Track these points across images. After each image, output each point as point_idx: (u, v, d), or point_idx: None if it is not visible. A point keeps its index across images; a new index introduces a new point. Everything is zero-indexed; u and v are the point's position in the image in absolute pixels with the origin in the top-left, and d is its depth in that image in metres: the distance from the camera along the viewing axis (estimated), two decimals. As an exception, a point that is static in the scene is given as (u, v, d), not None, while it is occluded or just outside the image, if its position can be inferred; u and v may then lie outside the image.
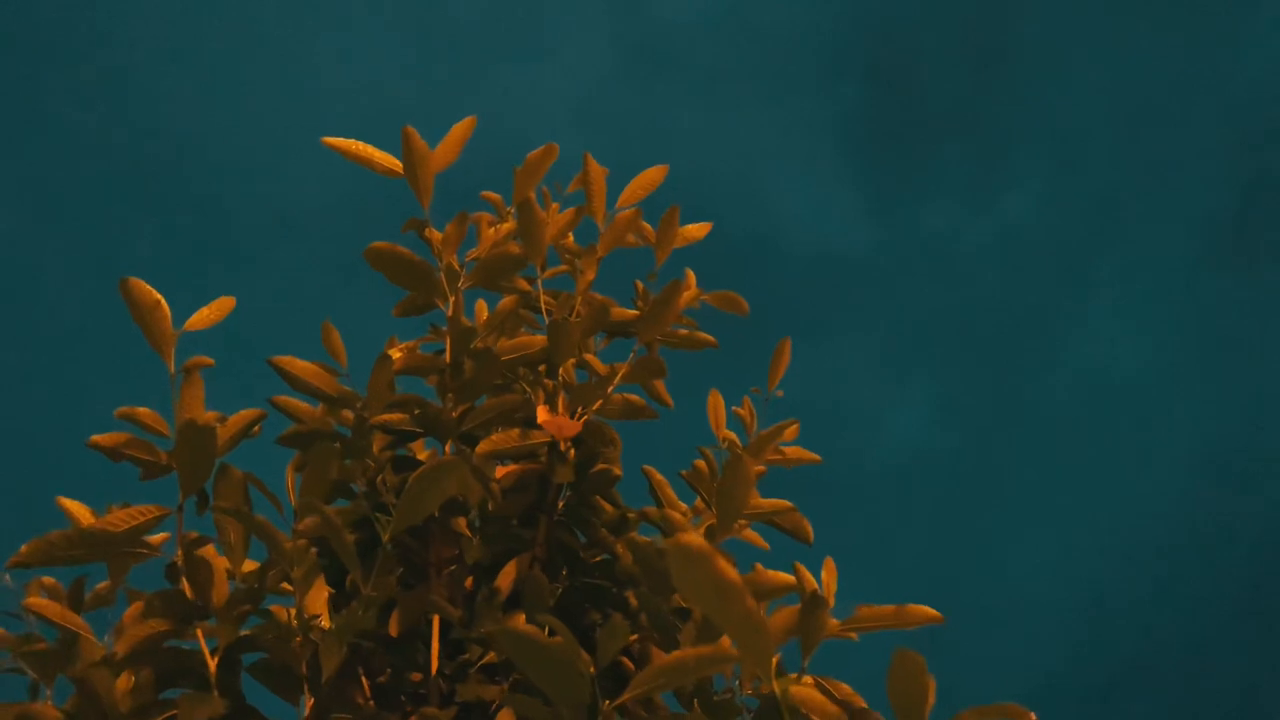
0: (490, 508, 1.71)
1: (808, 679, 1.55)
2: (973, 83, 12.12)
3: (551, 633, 1.26)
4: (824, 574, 1.67)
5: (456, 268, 1.81)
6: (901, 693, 0.70)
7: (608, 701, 1.05)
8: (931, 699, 0.70)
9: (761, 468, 1.86)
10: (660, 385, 1.97)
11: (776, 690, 0.72)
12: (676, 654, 0.97)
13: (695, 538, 0.66)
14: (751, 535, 2.11)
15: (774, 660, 0.72)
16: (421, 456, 1.81)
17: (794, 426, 2.12)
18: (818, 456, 2.13)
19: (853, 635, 1.65)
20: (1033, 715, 0.82)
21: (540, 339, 1.82)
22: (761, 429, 2.03)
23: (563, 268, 2.04)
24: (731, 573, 0.67)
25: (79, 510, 1.63)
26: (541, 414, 1.73)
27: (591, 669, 1.03)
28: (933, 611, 1.55)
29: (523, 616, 1.60)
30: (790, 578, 1.59)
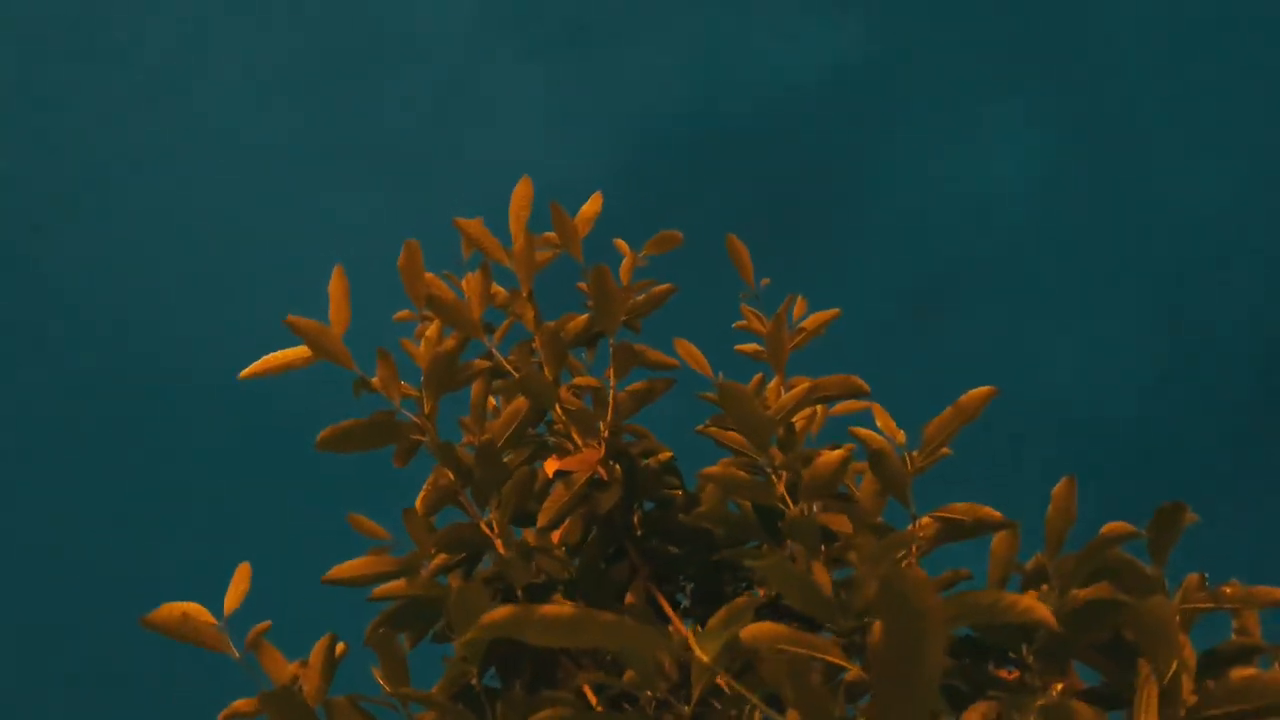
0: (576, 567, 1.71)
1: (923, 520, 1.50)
2: None
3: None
4: (879, 422, 1.61)
5: (414, 393, 1.83)
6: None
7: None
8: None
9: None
10: (651, 354, 1.93)
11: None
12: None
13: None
14: (849, 406, 2.05)
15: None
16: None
17: (799, 301, 2.06)
18: (836, 310, 2.06)
19: (944, 451, 1.58)
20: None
21: (522, 400, 1.82)
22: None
23: (511, 320, 2.03)
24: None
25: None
26: (550, 466, 1.72)
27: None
28: (985, 390, 1.47)
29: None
30: (840, 453, 1.54)
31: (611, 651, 1.43)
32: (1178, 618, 1.19)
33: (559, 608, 0.67)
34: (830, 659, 0.72)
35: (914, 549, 1.50)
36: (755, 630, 0.76)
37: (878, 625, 0.61)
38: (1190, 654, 1.13)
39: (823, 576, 1.07)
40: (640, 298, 1.98)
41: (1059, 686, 1.03)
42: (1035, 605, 0.67)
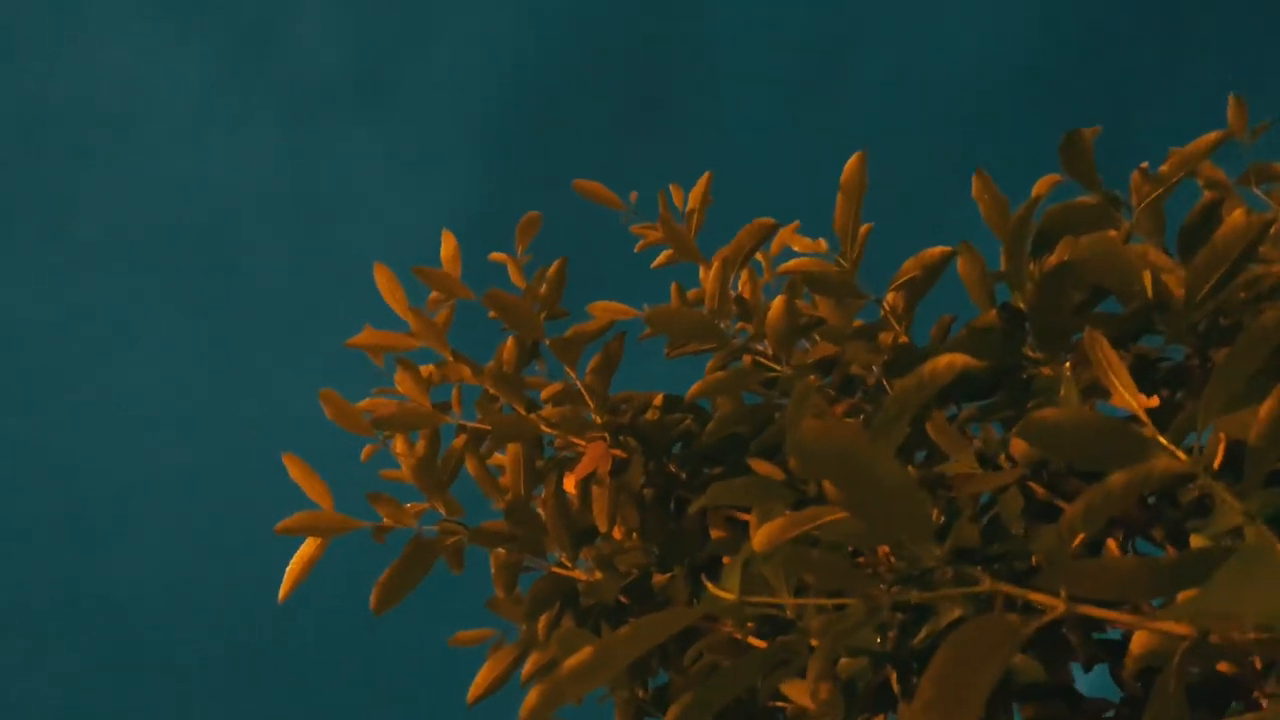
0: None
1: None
2: None
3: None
4: (795, 246, 1.60)
5: (425, 506, 1.85)
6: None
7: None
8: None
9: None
10: (588, 328, 1.93)
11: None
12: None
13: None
14: (782, 240, 2.05)
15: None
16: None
17: (674, 191, 2.05)
18: (707, 174, 2.04)
19: (864, 230, 1.57)
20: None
21: (513, 445, 1.83)
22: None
23: (456, 386, 2.03)
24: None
25: None
26: (569, 484, 1.73)
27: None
28: (854, 159, 1.46)
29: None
30: (779, 299, 1.54)
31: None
32: (1120, 231, 1.19)
33: (581, 655, 0.68)
34: (828, 519, 0.73)
35: (900, 327, 1.50)
36: (763, 536, 0.77)
37: (825, 485, 0.61)
38: (1158, 256, 1.13)
39: (761, 468, 1.08)
40: (543, 289, 1.97)
41: (1068, 365, 1.04)
42: (953, 357, 0.67)
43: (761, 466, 1.05)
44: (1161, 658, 0.63)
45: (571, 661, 0.68)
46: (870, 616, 0.72)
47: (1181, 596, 0.61)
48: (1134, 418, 0.71)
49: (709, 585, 0.70)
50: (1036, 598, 0.64)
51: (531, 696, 0.67)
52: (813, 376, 1.65)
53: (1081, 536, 0.65)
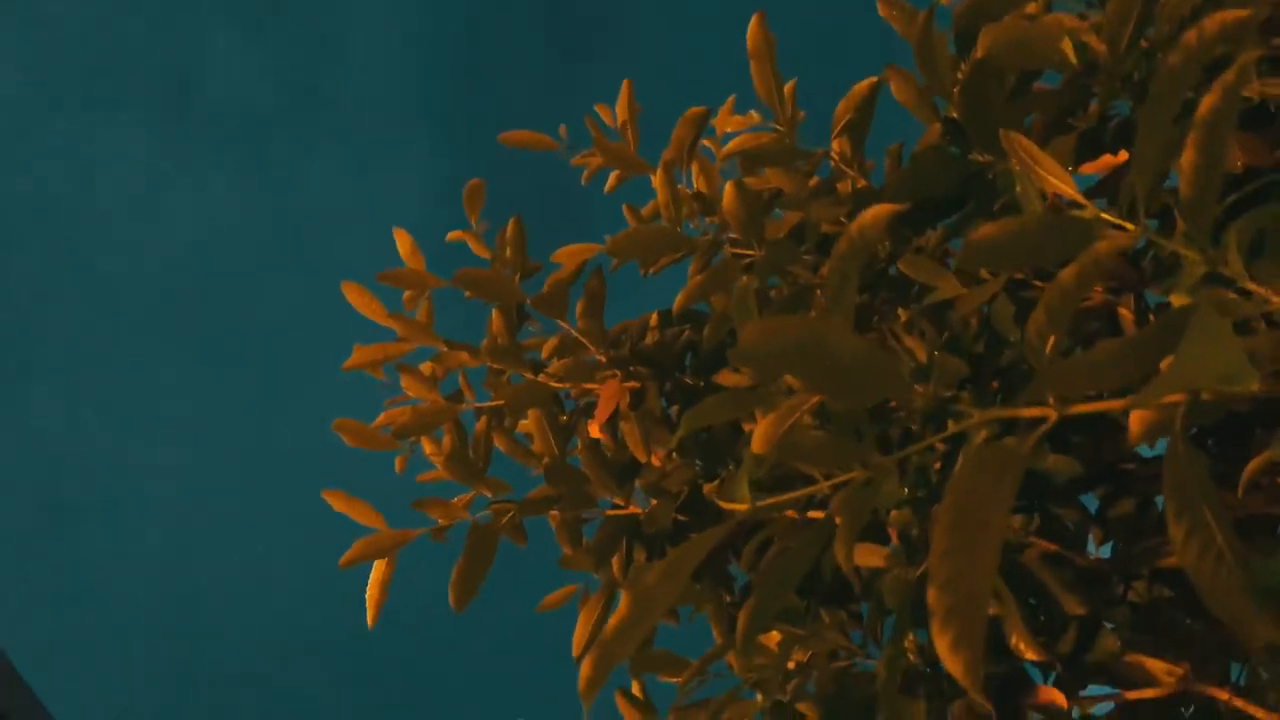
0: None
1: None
2: None
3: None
4: (729, 128, 1.57)
5: (470, 495, 1.87)
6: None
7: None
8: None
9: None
10: (561, 276, 1.92)
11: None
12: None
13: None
14: (723, 125, 2.02)
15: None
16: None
17: (602, 112, 2.01)
18: (626, 82, 2.00)
19: (790, 88, 1.54)
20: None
21: (534, 411, 1.84)
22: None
23: (461, 373, 2.04)
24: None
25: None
26: (593, 430, 1.74)
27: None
28: (752, 25, 1.42)
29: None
30: (730, 185, 1.52)
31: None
32: (1039, 3, 1.16)
33: (620, 612, 0.69)
34: (811, 404, 0.73)
35: (853, 172, 1.48)
36: (759, 437, 0.76)
37: (787, 380, 0.61)
38: (1071, 20, 1.10)
39: (728, 379, 1.07)
40: (507, 251, 1.96)
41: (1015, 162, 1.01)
42: (877, 209, 0.65)
43: (728, 378, 1.05)
44: (1163, 426, 0.63)
45: (612, 622, 0.68)
46: (880, 479, 0.72)
47: (1164, 363, 0.60)
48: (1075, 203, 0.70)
49: (721, 502, 0.70)
50: (1026, 413, 0.63)
51: (586, 666, 0.68)
52: (745, 271, 1.64)
53: (1054, 340, 0.65)
